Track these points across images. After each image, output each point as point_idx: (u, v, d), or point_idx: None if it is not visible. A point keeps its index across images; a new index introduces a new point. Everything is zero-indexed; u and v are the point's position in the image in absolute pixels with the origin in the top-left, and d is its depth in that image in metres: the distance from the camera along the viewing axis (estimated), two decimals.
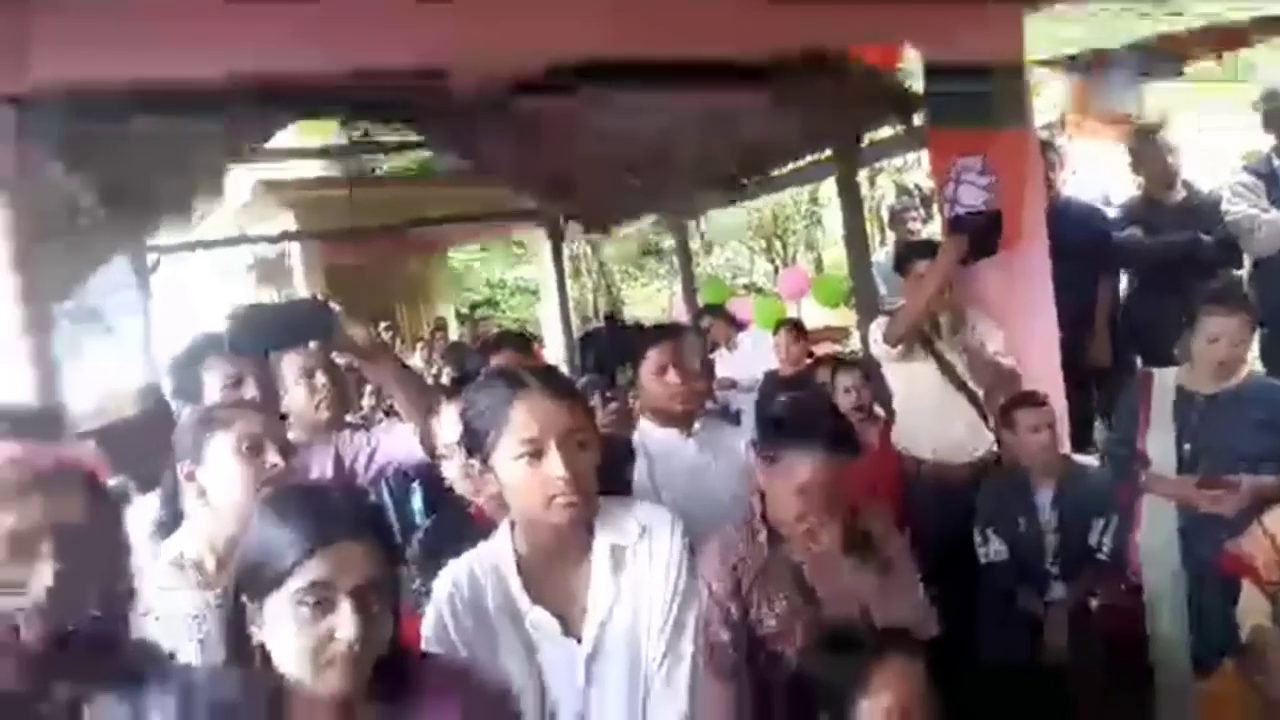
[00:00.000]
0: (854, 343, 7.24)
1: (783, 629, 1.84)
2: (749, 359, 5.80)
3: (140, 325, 7.23)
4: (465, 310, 15.46)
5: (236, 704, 1.20)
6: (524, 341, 3.49)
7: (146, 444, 2.52)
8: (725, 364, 5.80)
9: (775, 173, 6.15)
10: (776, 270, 14.62)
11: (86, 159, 4.17)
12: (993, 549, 3.05)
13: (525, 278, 16.14)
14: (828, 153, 5.37)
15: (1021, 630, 2.94)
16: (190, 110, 4.37)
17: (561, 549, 1.55)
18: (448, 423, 2.07)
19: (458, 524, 2.06)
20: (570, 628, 1.52)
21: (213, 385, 2.37)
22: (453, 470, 2.14)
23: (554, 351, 8.87)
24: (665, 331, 2.48)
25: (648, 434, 2.30)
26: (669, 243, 12.82)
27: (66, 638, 1.26)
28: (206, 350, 2.41)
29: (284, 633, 1.17)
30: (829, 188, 12.45)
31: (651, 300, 16.00)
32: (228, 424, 1.84)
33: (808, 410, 2.02)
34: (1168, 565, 2.82)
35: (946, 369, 3.47)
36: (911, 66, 4.20)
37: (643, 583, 1.55)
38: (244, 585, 1.20)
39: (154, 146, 4.98)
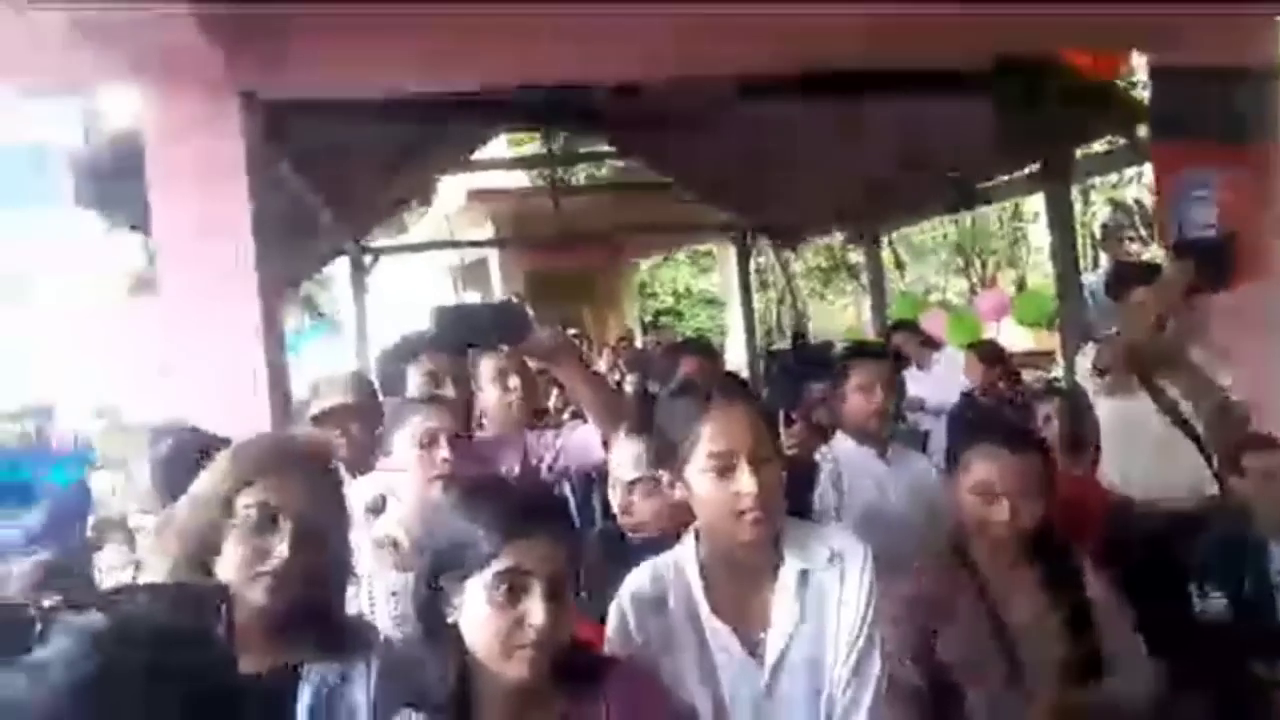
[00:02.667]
0: (1058, 369, 6.78)
1: (971, 666, 1.75)
2: (940, 380, 5.55)
3: (355, 320, 7.84)
4: (649, 319, 15.72)
5: (430, 681, 1.27)
6: (708, 349, 3.50)
7: (357, 431, 2.73)
8: (915, 383, 5.58)
9: (978, 186, 5.88)
10: (974, 289, 13.95)
11: (313, 162, 4.54)
12: (1212, 605, 2.77)
13: (710, 288, 16.22)
14: (1037, 166, 5.07)
15: (1253, 702, 2.64)
16: (406, 121, 4.70)
17: (746, 565, 1.54)
18: (619, 449, 2.09)
19: (615, 539, 2.09)
20: (751, 646, 1.51)
21: (414, 381, 2.53)
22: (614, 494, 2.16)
23: (736, 363, 8.85)
24: (872, 349, 2.48)
25: (842, 450, 2.27)
26: (858, 258, 12.50)
27: (291, 607, 1.37)
28: (411, 348, 2.57)
29: (477, 616, 1.24)
30: (1034, 203, 11.77)
31: (837, 316, 15.67)
32: (406, 419, 1.98)
33: (987, 411, 1.96)
34: None
35: (1164, 404, 3.18)
36: (1135, 74, 3.89)
37: (829, 610, 1.52)
38: (441, 568, 1.28)
39: (372, 154, 5.39)
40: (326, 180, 5.05)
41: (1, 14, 2.26)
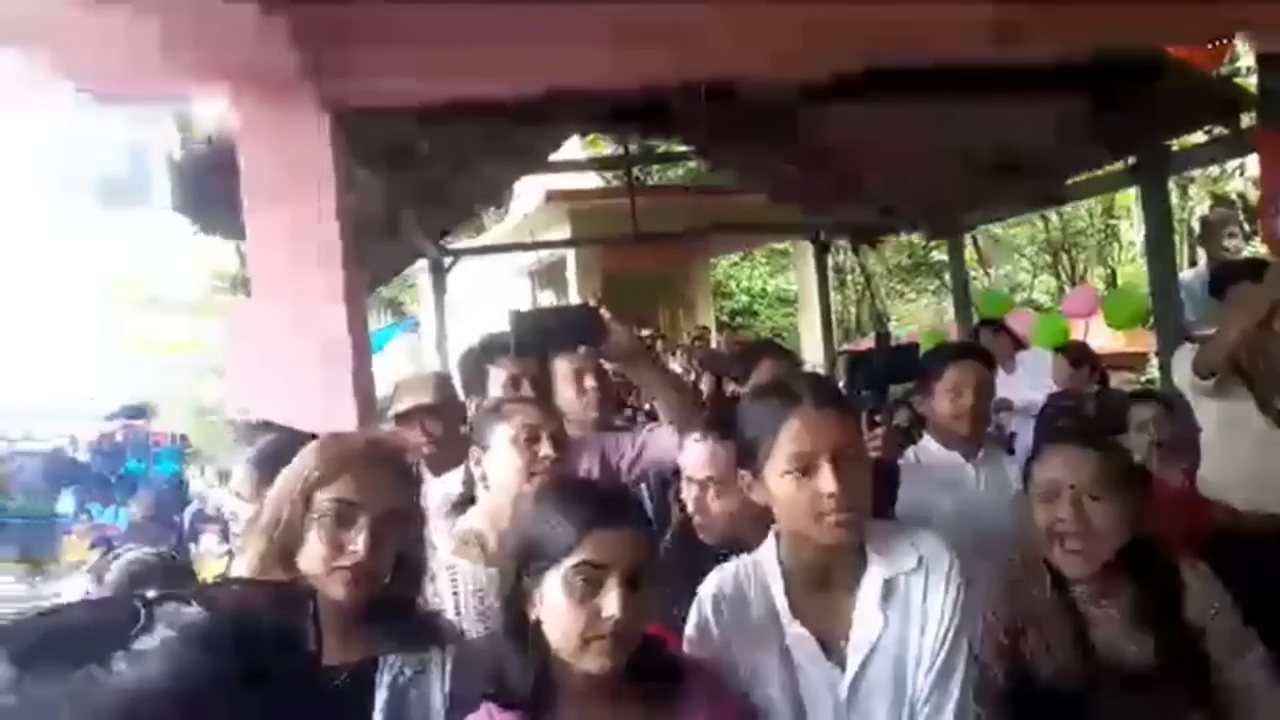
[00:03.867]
0: (1153, 371, 6.52)
1: (1054, 672, 1.69)
2: (1025, 381, 5.39)
3: (434, 320, 8.00)
4: (725, 319, 15.66)
5: (509, 674, 1.29)
6: (782, 351, 3.47)
7: (439, 429, 2.78)
8: (1000, 384, 5.41)
9: (1068, 182, 5.68)
10: (1062, 288, 13.51)
11: (395, 166, 4.64)
12: None
13: (786, 288, 16.08)
14: (1131, 160, 4.88)
15: None
16: (483, 124, 4.77)
17: (829, 568, 1.51)
18: (692, 449, 2.08)
19: (690, 537, 2.08)
20: (832, 650, 1.49)
21: (496, 382, 2.56)
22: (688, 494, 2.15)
23: (813, 364, 8.75)
24: (964, 350, 2.43)
25: (929, 454, 2.22)
26: (941, 255, 12.23)
27: (369, 601, 1.40)
28: (492, 349, 2.61)
29: (555, 609, 1.26)
30: (1127, 197, 11.33)
31: (917, 316, 15.36)
32: (509, 416, 2.00)
33: (1063, 409, 1.87)
34: None
35: (1269, 408, 3.02)
36: (1239, 59, 3.70)
37: (914, 617, 1.49)
38: (523, 562, 1.30)
39: (451, 157, 5.48)
40: (408, 184, 5.16)
41: (100, 28, 2.36)
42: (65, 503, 10.96)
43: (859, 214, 7.44)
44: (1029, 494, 1.80)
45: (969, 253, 11.27)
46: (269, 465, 1.75)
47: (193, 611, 0.61)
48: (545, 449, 1.95)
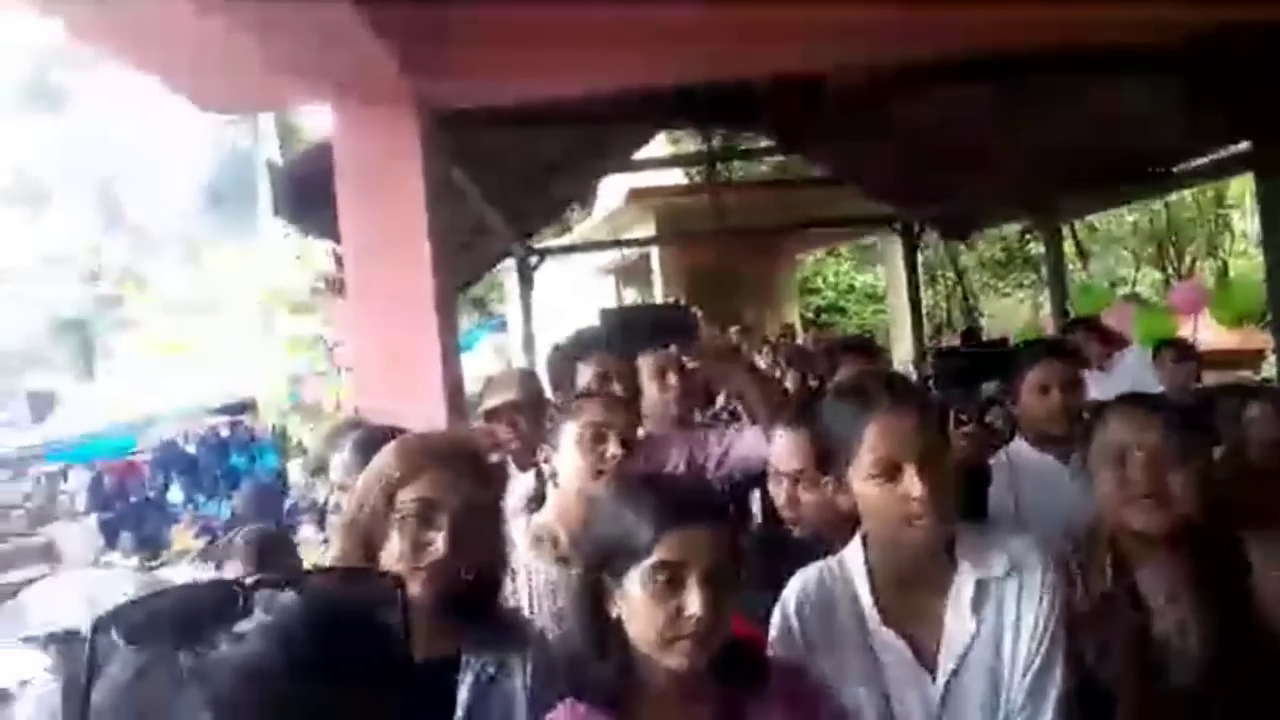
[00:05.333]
0: (1268, 368, 6.18)
1: (1116, 672, 1.61)
2: (1125, 380, 5.15)
3: (521, 318, 8.12)
4: (811, 315, 15.46)
5: (590, 673, 1.30)
6: (870, 347, 3.40)
7: (526, 426, 2.82)
8: (1095, 384, 5.19)
9: (1175, 169, 5.42)
10: (1168, 281, 12.90)
11: (482, 167, 4.72)
12: None
13: (874, 283, 15.78)
14: (1244, 145, 4.63)
15: None
16: (569, 123, 4.82)
17: (917, 572, 1.48)
18: (780, 441, 2.05)
19: (780, 534, 2.05)
20: (922, 655, 1.46)
21: (584, 379, 2.58)
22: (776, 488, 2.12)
23: (902, 361, 8.57)
24: (1051, 346, 2.35)
25: (1021, 456, 2.15)
26: (1037, 249, 11.82)
27: (450, 598, 1.42)
28: (581, 346, 2.63)
29: (636, 607, 1.25)
30: (1240, 185, 10.76)
31: (1013, 312, 14.87)
32: (576, 414, 1.99)
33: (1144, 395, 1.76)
34: None
35: None
36: None
37: (1008, 622, 1.45)
38: (603, 561, 1.30)
39: (536, 157, 5.56)
40: (495, 184, 5.25)
41: (206, 43, 2.47)
42: (175, 493, 11.55)
43: (949, 206, 7.26)
44: (1090, 465, 1.69)
45: (1067, 246, 10.86)
46: (357, 462, 1.80)
47: (288, 597, 0.63)
48: (612, 447, 1.92)
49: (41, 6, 2.28)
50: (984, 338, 8.37)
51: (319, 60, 2.68)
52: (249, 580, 0.63)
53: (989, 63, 2.99)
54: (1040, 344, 2.57)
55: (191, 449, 12.23)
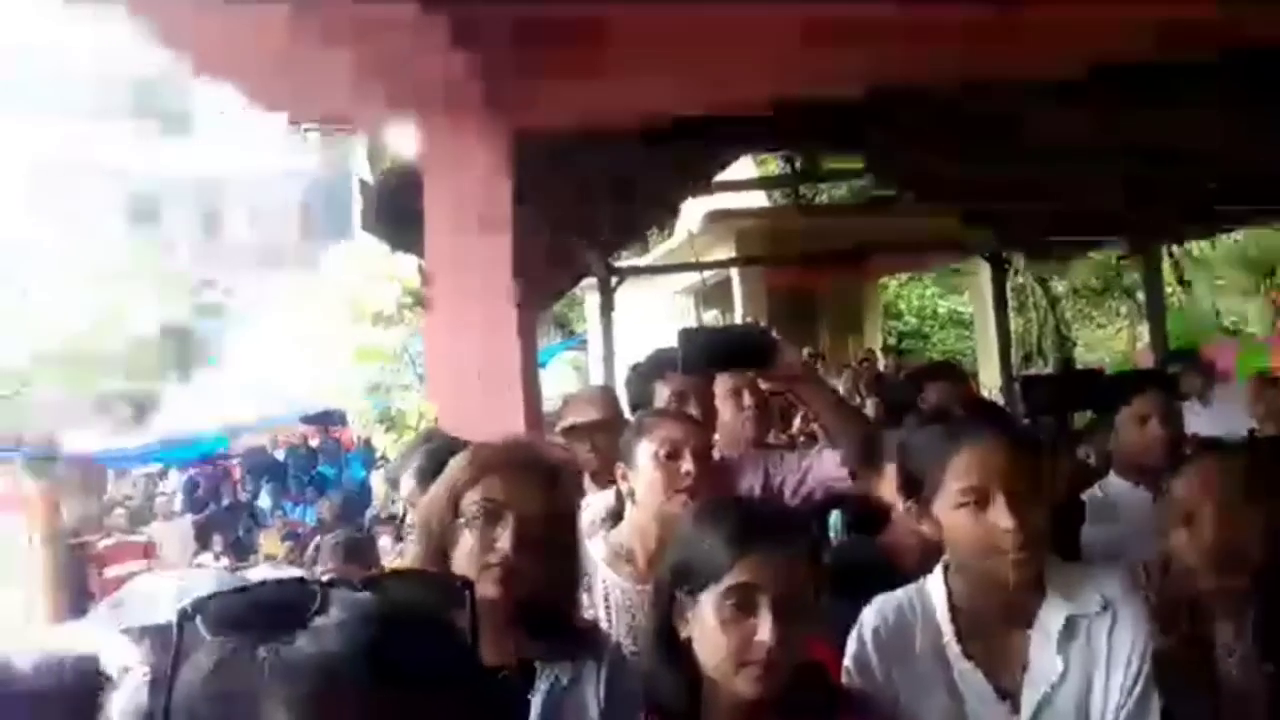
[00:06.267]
0: None
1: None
2: (1224, 416, 4.90)
3: (600, 337, 8.18)
4: (892, 341, 15.18)
5: (662, 692, 1.29)
6: (957, 373, 3.31)
7: (605, 444, 2.83)
8: (1195, 419, 4.95)
9: None
10: (1278, 313, 12.27)
11: (565, 188, 4.78)
12: None
13: (959, 309, 15.42)
14: None
15: None
16: (652, 145, 4.85)
17: (1004, 606, 1.43)
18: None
19: (867, 554, 2.01)
20: (1005, 691, 1.41)
21: (662, 399, 2.58)
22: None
23: (988, 389, 8.34)
24: (1149, 377, 2.27)
25: (1115, 489, 2.07)
26: (1134, 277, 11.38)
27: (523, 604, 1.43)
28: (660, 366, 2.63)
29: (708, 631, 1.24)
30: None
31: (1107, 342, 14.34)
32: (651, 431, 1.99)
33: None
34: None
35: None
36: None
37: (1099, 660, 1.39)
38: (676, 581, 1.29)
39: (618, 179, 5.60)
40: (577, 205, 5.30)
41: (303, 65, 2.57)
42: (264, 499, 11.96)
43: (1041, 230, 7.05)
44: (1167, 514, 1.65)
45: (1167, 273, 10.45)
46: (429, 475, 1.84)
47: (362, 596, 0.65)
48: (686, 465, 1.92)
49: (150, 33, 2.41)
50: (1076, 367, 8.09)
51: (408, 81, 2.76)
52: (326, 579, 0.66)
53: (1086, 80, 2.89)
54: (1138, 375, 2.47)
55: (281, 456, 12.66)
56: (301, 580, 0.66)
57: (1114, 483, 2.23)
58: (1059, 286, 14.37)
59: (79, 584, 8.50)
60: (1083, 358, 11.64)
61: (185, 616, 0.63)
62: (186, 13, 2.30)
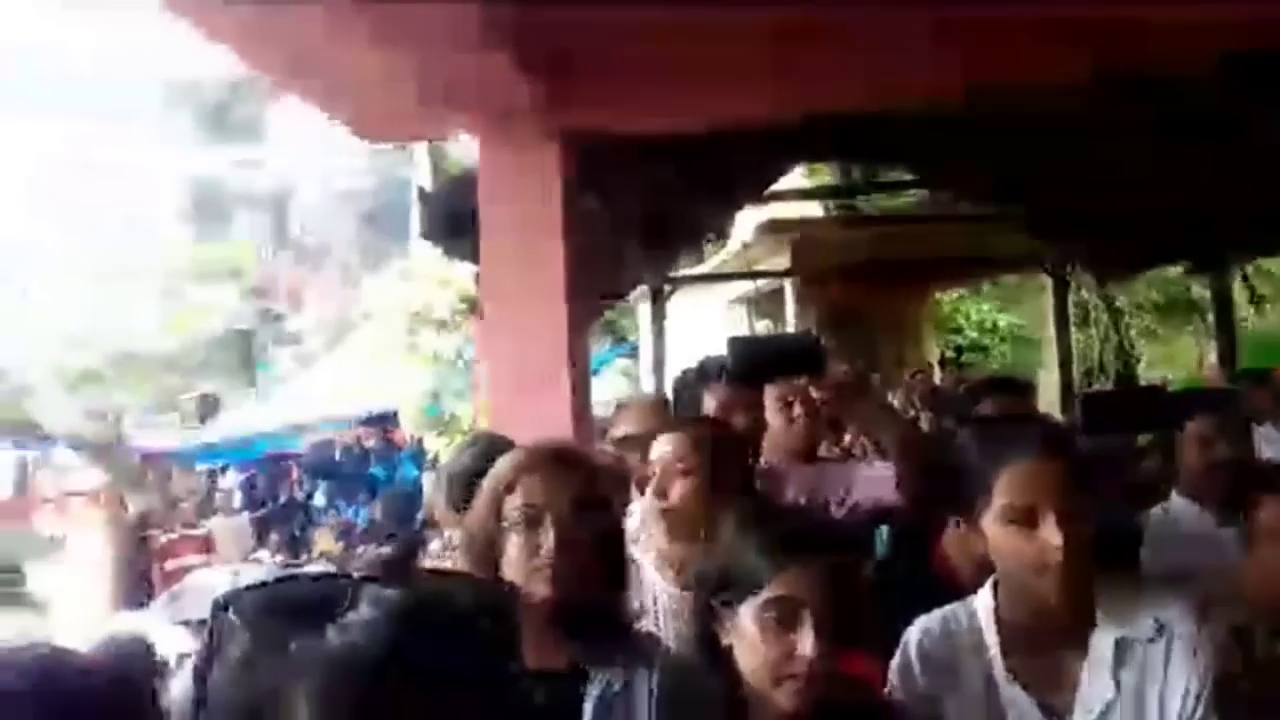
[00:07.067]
0: None
1: None
2: None
3: (652, 345, 8.20)
4: (950, 354, 14.91)
5: (703, 700, 1.28)
6: (1017, 388, 3.24)
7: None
8: (1269, 444, 4.77)
9: None
10: None
11: (619, 197, 4.79)
12: None
13: (1019, 324, 15.10)
14: None
15: None
16: (706, 154, 4.84)
17: (1053, 626, 1.39)
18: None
19: (914, 569, 1.98)
20: (1054, 714, 1.37)
21: (709, 407, 2.58)
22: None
23: (1047, 405, 8.15)
24: (1217, 397, 2.20)
25: (1177, 511, 2.01)
26: (1202, 293, 11.03)
27: (574, 607, 1.44)
28: (708, 375, 2.63)
29: (748, 642, 1.24)
30: None
31: (1174, 359, 13.92)
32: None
33: None
34: None
35: None
36: None
37: (1153, 687, 1.34)
38: (717, 589, 1.29)
39: (673, 188, 5.60)
40: (631, 214, 5.32)
41: (365, 76, 2.63)
42: (319, 498, 12.19)
43: (1104, 244, 6.88)
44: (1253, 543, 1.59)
45: (1237, 289, 10.10)
46: (460, 480, 1.88)
47: (392, 594, 0.66)
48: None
49: (219, 41, 2.48)
50: (1139, 384, 7.87)
51: (467, 92, 2.81)
52: (357, 576, 0.67)
53: (1151, 87, 2.80)
54: (1203, 393, 2.40)
55: (337, 456, 12.90)
56: (334, 576, 0.68)
57: (1176, 503, 2.17)
58: (1123, 301, 13.99)
59: (141, 575, 8.78)
60: (1147, 374, 11.31)
61: (220, 609, 0.64)
62: (256, 26, 2.36)
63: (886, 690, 1.45)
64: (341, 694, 0.60)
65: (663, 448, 1.95)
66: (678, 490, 1.89)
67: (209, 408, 15.97)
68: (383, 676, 0.61)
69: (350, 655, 0.61)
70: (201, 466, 12.74)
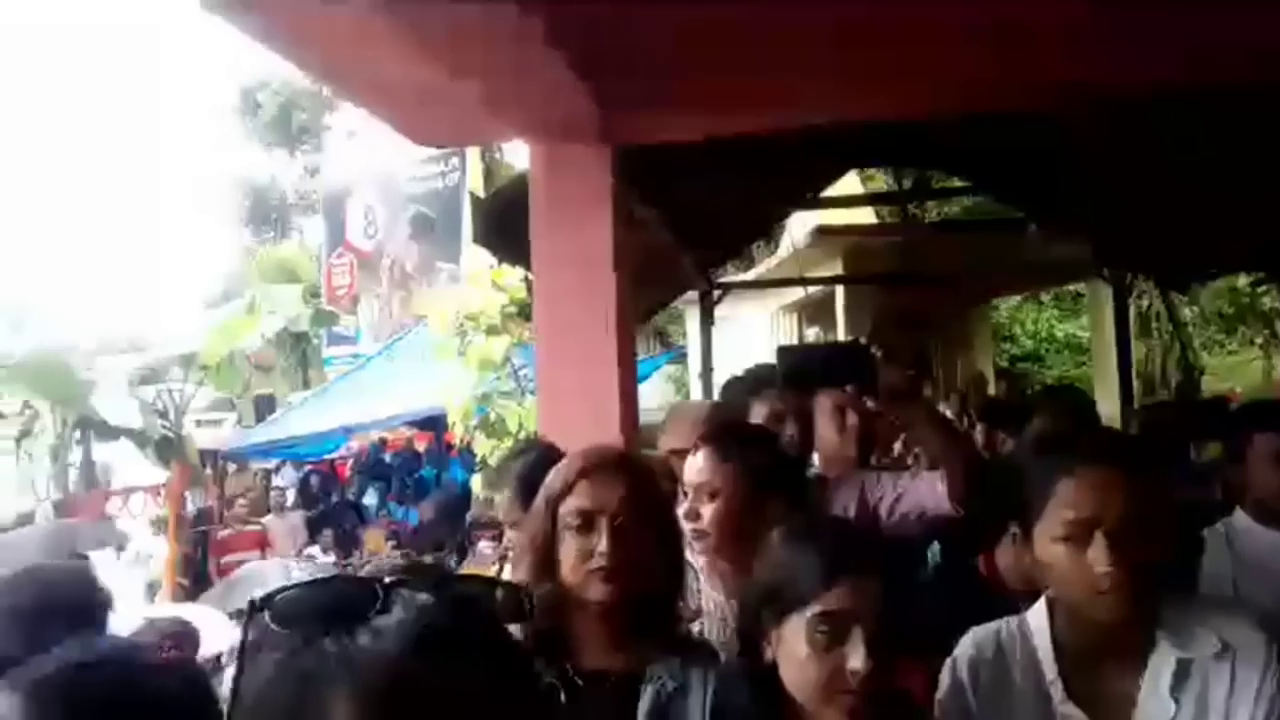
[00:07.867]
0: None
1: None
2: None
3: (700, 351, 8.17)
4: (1005, 364, 14.64)
5: (756, 716, 1.27)
6: (1077, 398, 3.17)
7: None
8: None
9: None
10: None
11: (669, 202, 4.79)
12: None
13: (1077, 333, 14.76)
14: None
15: None
16: (757, 160, 4.82)
17: (1109, 644, 1.35)
18: None
19: (966, 582, 1.95)
20: None
21: (759, 415, 2.56)
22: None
23: (1106, 417, 7.95)
24: None
25: (1242, 530, 1.94)
26: (1271, 303, 10.70)
27: (630, 609, 1.45)
28: (757, 383, 2.62)
29: (796, 657, 1.22)
30: None
31: (1239, 371, 13.49)
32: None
33: None
34: None
35: None
36: None
37: (1217, 707, 1.30)
38: (762, 602, 1.27)
39: (724, 193, 5.58)
40: (681, 219, 5.31)
41: (420, 82, 2.66)
42: (370, 497, 12.38)
43: (1168, 253, 6.70)
44: None
45: None
46: (527, 481, 1.90)
47: (424, 598, 0.67)
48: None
49: (275, 50, 2.53)
50: (1201, 396, 7.65)
51: (519, 98, 2.83)
52: (388, 579, 0.67)
53: (1215, 92, 2.71)
54: (1271, 406, 2.31)
55: (388, 458, 13.08)
56: (367, 579, 0.67)
57: (1240, 520, 2.09)
58: (1186, 311, 13.60)
59: (199, 568, 9.01)
60: (1212, 386, 10.97)
61: (254, 609, 0.65)
62: (319, 33, 2.41)
63: (935, 707, 1.42)
64: (371, 696, 0.60)
65: (691, 469, 1.92)
66: (708, 514, 1.86)
67: (265, 407, 16.32)
68: (410, 679, 0.61)
69: (379, 658, 0.61)
70: (257, 465, 13.00)
